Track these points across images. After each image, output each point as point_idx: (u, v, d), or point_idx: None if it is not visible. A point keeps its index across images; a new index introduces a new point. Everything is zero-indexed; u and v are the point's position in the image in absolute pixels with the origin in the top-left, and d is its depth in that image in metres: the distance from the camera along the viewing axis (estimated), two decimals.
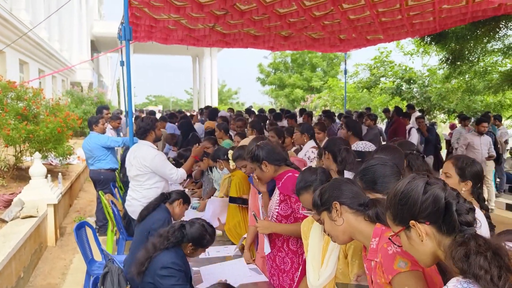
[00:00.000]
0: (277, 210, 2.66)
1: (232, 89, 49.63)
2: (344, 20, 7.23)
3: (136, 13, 6.67)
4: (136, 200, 4.05)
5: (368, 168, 1.97)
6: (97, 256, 3.99)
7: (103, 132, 6.20)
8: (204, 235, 2.61)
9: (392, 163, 1.96)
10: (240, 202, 3.64)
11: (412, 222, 1.20)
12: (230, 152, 3.66)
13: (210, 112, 8.74)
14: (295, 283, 2.49)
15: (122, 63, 7.86)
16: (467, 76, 12.35)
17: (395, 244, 1.36)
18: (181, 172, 4.17)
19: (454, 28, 9.05)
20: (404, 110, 10.03)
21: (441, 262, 1.26)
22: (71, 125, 7.43)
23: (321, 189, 1.80)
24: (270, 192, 2.87)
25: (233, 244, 3.59)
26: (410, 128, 8.49)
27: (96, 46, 31.70)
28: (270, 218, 2.71)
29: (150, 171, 3.99)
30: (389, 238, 1.37)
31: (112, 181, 5.89)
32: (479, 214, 2.19)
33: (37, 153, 5.92)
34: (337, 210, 1.70)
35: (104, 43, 30.68)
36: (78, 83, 24.56)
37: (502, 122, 9.76)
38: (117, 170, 6.17)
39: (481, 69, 11.81)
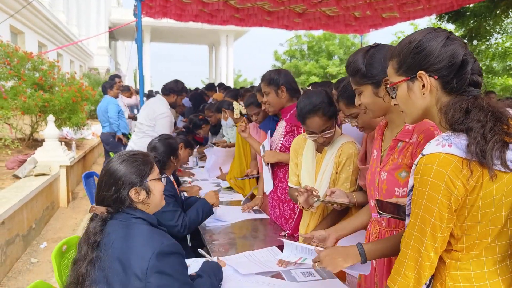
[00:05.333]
0: (281, 142, 2.66)
1: (248, 80, 49.46)
2: None
3: None
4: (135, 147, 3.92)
5: (346, 85, 1.92)
6: None
7: (116, 96, 6.31)
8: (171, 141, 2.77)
9: None
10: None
11: (421, 72, 1.16)
12: (235, 103, 3.67)
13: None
14: (296, 214, 2.46)
15: (136, 41, 7.94)
16: (486, 57, 12.08)
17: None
18: None
19: (472, 6, 8.85)
20: None
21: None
22: (86, 95, 7.55)
23: (368, 59, 1.59)
24: (271, 133, 2.84)
25: (237, 193, 3.60)
26: None
27: (114, 33, 31.94)
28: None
29: (152, 124, 4.02)
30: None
31: (122, 145, 5.99)
32: None
33: (51, 115, 6.03)
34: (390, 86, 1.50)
35: (122, 30, 30.89)
36: (96, 69, 24.88)
37: None
38: (128, 134, 6.28)
39: (500, 52, 11.52)
